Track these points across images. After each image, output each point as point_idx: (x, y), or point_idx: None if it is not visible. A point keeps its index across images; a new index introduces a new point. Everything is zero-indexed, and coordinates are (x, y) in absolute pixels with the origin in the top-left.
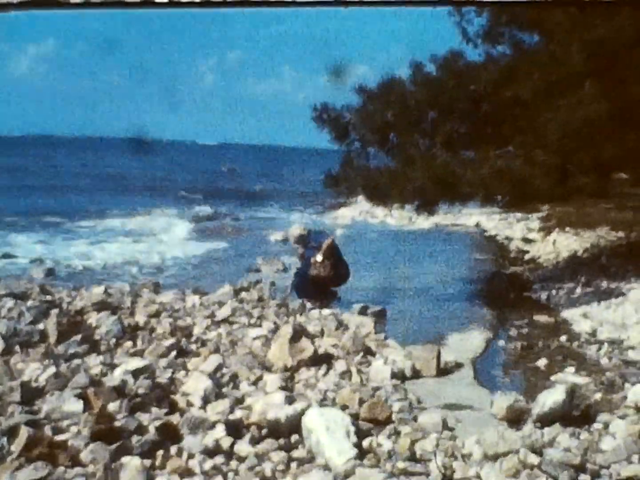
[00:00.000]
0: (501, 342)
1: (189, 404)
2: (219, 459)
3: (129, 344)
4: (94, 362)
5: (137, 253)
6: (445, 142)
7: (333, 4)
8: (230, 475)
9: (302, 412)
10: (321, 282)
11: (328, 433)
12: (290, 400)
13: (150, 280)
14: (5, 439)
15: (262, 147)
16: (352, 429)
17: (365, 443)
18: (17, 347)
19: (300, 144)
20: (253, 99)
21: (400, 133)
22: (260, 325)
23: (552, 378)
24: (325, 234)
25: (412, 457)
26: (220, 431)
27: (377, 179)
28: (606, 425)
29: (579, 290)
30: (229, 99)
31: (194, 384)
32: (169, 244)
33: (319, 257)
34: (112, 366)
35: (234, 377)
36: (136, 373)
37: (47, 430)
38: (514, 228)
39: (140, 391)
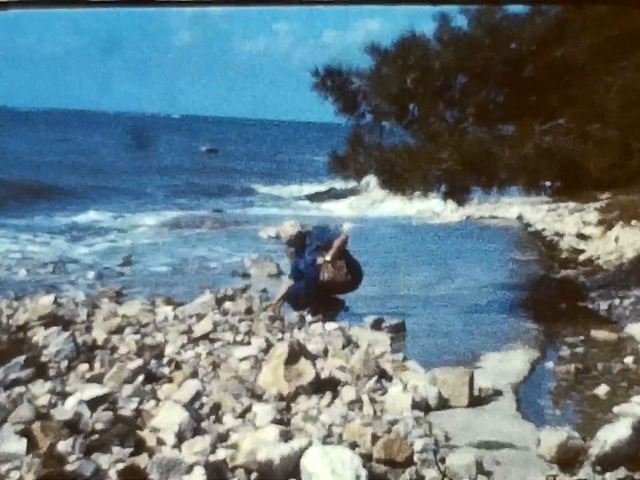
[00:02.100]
0: (550, 364)
1: (160, 442)
2: None
3: (84, 367)
4: (41, 390)
5: (93, 253)
6: (478, 114)
7: None
8: None
9: (301, 452)
10: (334, 288)
11: (333, 478)
12: (286, 437)
13: (110, 287)
14: None
15: (250, 121)
16: (364, 472)
17: None
18: None
19: (297, 117)
20: (238, 61)
21: (422, 103)
22: (248, 343)
23: (615, 410)
24: (331, 230)
25: None
26: (199, 476)
27: (394, 161)
28: None
29: None
30: (208, 62)
31: (166, 416)
32: (135, 241)
33: (328, 257)
34: (64, 395)
35: (216, 408)
36: (93, 403)
37: None
38: (565, 221)
39: (99, 426)
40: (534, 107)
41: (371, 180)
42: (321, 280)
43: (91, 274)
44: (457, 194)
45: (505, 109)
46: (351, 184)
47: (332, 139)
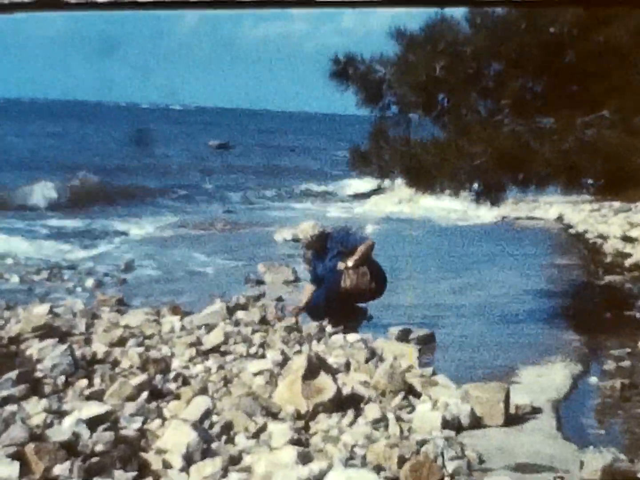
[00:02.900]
0: (593, 379)
1: (166, 465)
2: None
3: (83, 382)
4: (35, 409)
5: (91, 258)
6: (514, 104)
7: None
8: None
9: (321, 476)
10: (356, 296)
11: None
12: (304, 459)
13: (111, 295)
14: None
15: (263, 113)
16: None
17: None
18: None
19: (314, 108)
20: (248, 47)
21: (452, 93)
22: (263, 356)
23: None
24: (355, 233)
25: None
26: None
27: (421, 156)
28: None
29: None
30: (217, 48)
31: (173, 437)
32: (139, 243)
33: (350, 263)
34: (61, 414)
35: (228, 428)
36: (93, 423)
37: None
38: (610, 222)
39: (99, 448)
40: (575, 97)
41: (396, 177)
42: (342, 288)
43: (90, 281)
44: (491, 192)
45: (544, 99)
46: (374, 182)
47: (353, 133)
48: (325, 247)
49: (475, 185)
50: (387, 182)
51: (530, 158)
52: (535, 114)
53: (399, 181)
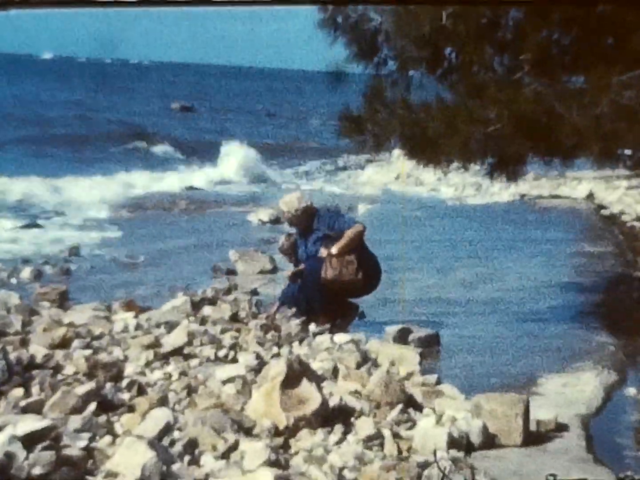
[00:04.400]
0: (631, 391)
1: None
2: None
3: (18, 392)
4: None
5: (27, 241)
6: (536, 61)
7: None
8: None
9: None
10: (342, 290)
11: None
12: None
13: (52, 287)
14: None
15: (235, 70)
16: None
17: None
18: None
19: (296, 64)
20: None
21: (462, 46)
22: (234, 360)
23: None
24: (344, 215)
25: None
26: None
27: (425, 122)
28: None
29: None
30: None
31: (126, 457)
32: (84, 226)
33: (335, 250)
34: None
35: (192, 446)
36: (30, 440)
37: None
38: None
39: (37, 471)
40: (610, 53)
41: (394, 147)
42: (323, 278)
43: (27, 271)
44: (508, 165)
45: (572, 54)
46: (368, 152)
47: (343, 94)
48: (311, 226)
49: (489, 157)
50: (384, 152)
51: (556, 125)
52: (561, 72)
53: (398, 152)
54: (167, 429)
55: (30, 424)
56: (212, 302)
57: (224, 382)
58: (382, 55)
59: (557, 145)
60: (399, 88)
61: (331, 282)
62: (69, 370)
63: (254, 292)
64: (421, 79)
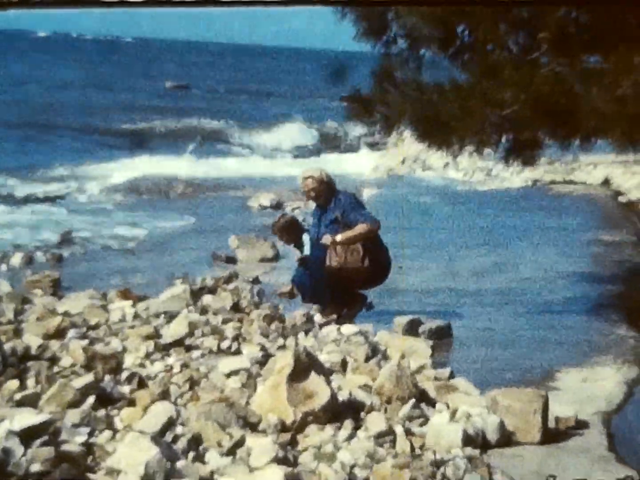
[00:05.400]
0: None
1: None
2: None
3: (13, 384)
4: None
5: (17, 225)
6: (554, 39)
7: None
8: None
9: None
10: (344, 279)
11: None
12: None
13: (45, 274)
14: None
15: (234, 47)
16: None
17: None
18: None
19: (300, 43)
20: None
21: (476, 24)
22: (237, 352)
23: None
24: (364, 209)
25: None
26: None
27: (437, 103)
28: None
29: None
30: None
31: (128, 453)
32: (77, 210)
33: (339, 238)
34: None
35: (196, 442)
36: (27, 436)
37: None
38: None
39: (35, 468)
40: (633, 31)
41: (404, 129)
42: (328, 267)
43: (17, 256)
44: (525, 149)
45: (592, 33)
46: (376, 134)
47: (352, 74)
48: (327, 205)
49: (504, 141)
50: (393, 135)
51: (575, 107)
52: (581, 52)
53: (407, 134)
54: (170, 424)
55: (28, 418)
56: (212, 291)
57: (228, 375)
58: (391, 34)
59: (576, 128)
60: (410, 68)
61: (336, 270)
62: (65, 361)
63: (256, 281)
64: (433, 58)
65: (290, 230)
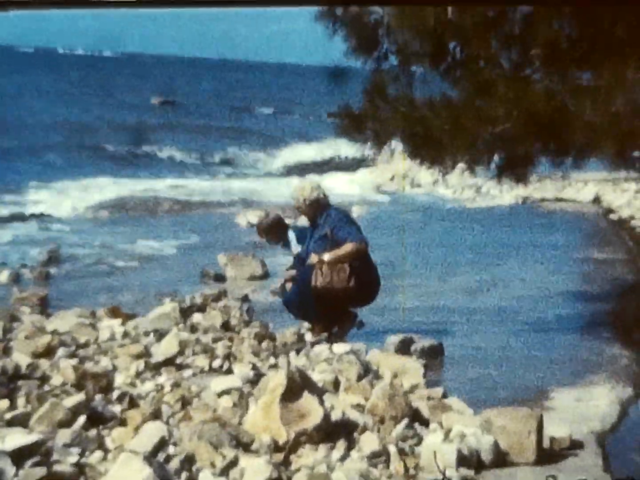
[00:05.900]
0: None
1: None
2: None
3: (2, 404)
4: None
5: (6, 243)
6: (546, 55)
7: None
8: None
9: None
10: (331, 298)
11: None
12: None
13: (33, 292)
14: None
15: (224, 63)
16: None
17: None
18: None
19: (292, 58)
20: None
21: (468, 40)
22: (229, 371)
23: None
24: (353, 227)
25: None
26: None
27: (428, 120)
28: None
29: None
30: None
31: (120, 473)
32: (64, 228)
33: (326, 257)
34: None
35: (189, 462)
36: (18, 456)
37: None
38: None
39: None
40: (626, 46)
41: (396, 146)
42: (314, 286)
43: (4, 274)
44: (517, 166)
45: (584, 48)
46: (366, 150)
47: (342, 90)
48: (317, 220)
49: (496, 158)
50: (384, 152)
51: (568, 123)
52: (573, 67)
53: (398, 150)
54: (162, 444)
55: (19, 438)
56: (201, 309)
57: (220, 395)
58: (383, 50)
59: (568, 146)
60: (401, 84)
61: (322, 290)
62: (56, 380)
63: (245, 299)
64: (424, 74)
65: (275, 229)
